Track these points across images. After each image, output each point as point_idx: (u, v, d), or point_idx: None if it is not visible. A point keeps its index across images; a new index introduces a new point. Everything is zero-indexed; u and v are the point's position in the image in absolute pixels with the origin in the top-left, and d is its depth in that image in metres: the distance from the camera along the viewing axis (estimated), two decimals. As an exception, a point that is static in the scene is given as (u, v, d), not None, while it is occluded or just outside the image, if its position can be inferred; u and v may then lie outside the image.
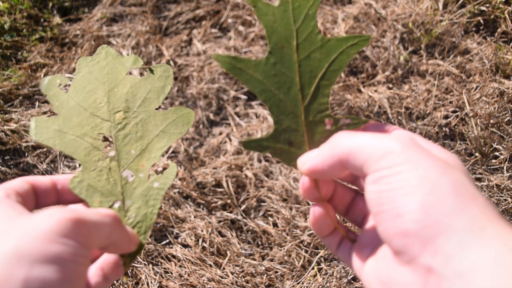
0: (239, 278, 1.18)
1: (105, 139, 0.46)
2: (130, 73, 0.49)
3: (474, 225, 0.29)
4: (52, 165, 1.35)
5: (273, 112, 0.44)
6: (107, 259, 0.42)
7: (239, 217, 1.30)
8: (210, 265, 1.20)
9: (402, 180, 0.32)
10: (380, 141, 0.35)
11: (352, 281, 1.17)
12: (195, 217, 1.29)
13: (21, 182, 0.41)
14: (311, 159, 0.41)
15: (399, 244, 0.31)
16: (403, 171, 0.32)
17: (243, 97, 1.53)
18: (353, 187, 0.47)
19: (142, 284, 1.16)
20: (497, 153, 1.32)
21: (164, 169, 0.46)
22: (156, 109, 0.47)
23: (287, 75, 0.45)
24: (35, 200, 0.42)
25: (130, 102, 0.47)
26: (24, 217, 0.34)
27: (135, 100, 0.48)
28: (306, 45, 0.46)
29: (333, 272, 1.17)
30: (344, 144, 0.37)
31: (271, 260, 1.22)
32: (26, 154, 1.36)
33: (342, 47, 0.46)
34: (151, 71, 0.49)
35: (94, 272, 0.41)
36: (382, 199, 0.33)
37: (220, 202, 1.32)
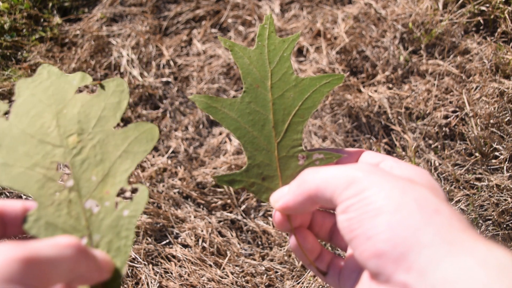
0: (239, 278, 1.17)
1: (60, 167, 0.40)
2: (79, 92, 0.44)
3: (441, 239, 0.30)
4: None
5: (247, 148, 0.46)
6: None
7: (239, 217, 1.30)
8: (210, 265, 1.20)
9: (368, 204, 0.33)
10: (344, 172, 0.36)
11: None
12: (195, 217, 1.29)
13: None
14: (282, 197, 0.42)
15: (374, 265, 0.32)
16: (368, 196, 0.34)
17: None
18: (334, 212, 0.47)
19: (142, 284, 1.16)
20: (497, 153, 1.32)
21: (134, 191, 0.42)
22: (114, 127, 0.42)
23: (261, 113, 0.47)
24: (1, 229, 0.37)
25: (83, 123, 0.42)
26: None
27: (89, 120, 0.42)
28: (280, 85, 0.48)
29: (333, 272, 1.17)
30: (311, 180, 0.39)
31: (271, 260, 1.22)
32: (26, 154, 1.36)
33: (315, 85, 0.47)
34: (102, 87, 0.44)
35: None
36: (353, 225, 0.34)
37: (220, 202, 1.32)
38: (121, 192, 0.41)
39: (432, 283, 0.28)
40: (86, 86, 0.46)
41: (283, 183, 0.45)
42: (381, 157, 0.42)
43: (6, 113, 0.42)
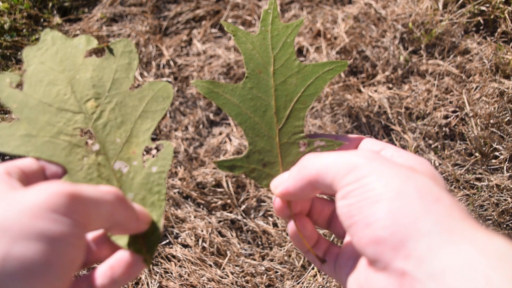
0: (239, 278, 1.17)
1: (84, 132, 0.41)
2: (88, 55, 0.44)
3: (440, 227, 0.30)
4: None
5: (248, 134, 0.46)
6: (120, 257, 0.38)
7: (239, 217, 1.30)
8: (210, 265, 1.20)
9: (369, 191, 0.33)
10: (345, 158, 0.36)
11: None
12: (195, 217, 1.29)
13: (30, 162, 0.38)
14: (282, 182, 0.42)
15: (372, 252, 0.32)
16: (369, 183, 0.33)
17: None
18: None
19: (142, 284, 1.16)
20: (497, 153, 1.32)
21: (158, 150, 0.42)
22: (129, 88, 0.43)
23: (263, 99, 0.47)
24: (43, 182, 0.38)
25: (98, 87, 0.42)
26: (16, 191, 0.31)
27: (104, 84, 0.43)
28: (283, 71, 0.47)
29: (333, 272, 1.17)
30: (311, 166, 0.38)
31: (271, 260, 1.22)
32: (26, 154, 1.36)
33: (318, 72, 0.47)
34: (110, 50, 0.44)
35: (102, 272, 0.37)
36: (352, 211, 0.34)
37: (220, 202, 1.32)
38: (147, 150, 0.41)
39: (431, 271, 0.28)
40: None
41: (283, 170, 0.45)
42: (381, 145, 0.42)
43: (19, 84, 0.42)
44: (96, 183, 0.40)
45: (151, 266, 1.19)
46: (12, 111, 0.41)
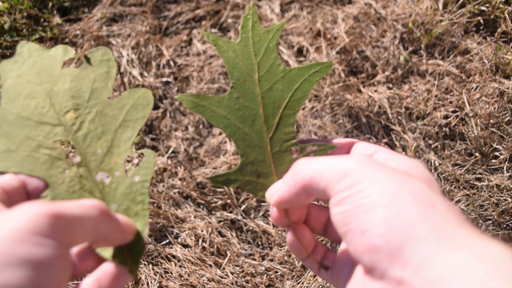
0: (239, 278, 1.18)
1: (64, 145, 0.41)
2: (64, 66, 0.44)
3: (437, 233, 0.29)
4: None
5: (239, 145, 0.44)
6: (106, 269, 0.37)
7: (239, 217, 1.30)
8: (210, 265, 1.20)
9: (364, 197, 0.32)
10: (338, 163, 0.35)
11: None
12: (195, 217, 1.29)
13: (10, 179, 0.37)
14: (277, 191, 0.41)
15: (369, 260, 0.31)
16: (363, 189, 0.33)
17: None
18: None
19: (142, 284, 1.16)
20: (497, 153, 1.32)
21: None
22: (109, 97, 0.42)
23: (250, 108, 0.45)
24: (26, 199, 0.38)
25: (77, 98, 0.42)
26: None
27: (82, 94, 0.42)
28: (268, 77, 0.46)
29: (333, 272, 1.17)
30: (304, 171, 0.38)
31: (271, 260, 1.22)
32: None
33: (304, 75, 0.46)
34: (87, 59, 0.43)
35: (88, 285, 0.36)
36: (347, 218, 0.33)
37: (220, 202, 1.32)
38: (129, 160, 0.40)
39: (428, 279, 0.28)
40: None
41: (278, 179, 0.44)
42: (374, 148, 0.41)
43: None
44: (78, 195, 0.39)
45: (151, 266, 1.19)
46: None
